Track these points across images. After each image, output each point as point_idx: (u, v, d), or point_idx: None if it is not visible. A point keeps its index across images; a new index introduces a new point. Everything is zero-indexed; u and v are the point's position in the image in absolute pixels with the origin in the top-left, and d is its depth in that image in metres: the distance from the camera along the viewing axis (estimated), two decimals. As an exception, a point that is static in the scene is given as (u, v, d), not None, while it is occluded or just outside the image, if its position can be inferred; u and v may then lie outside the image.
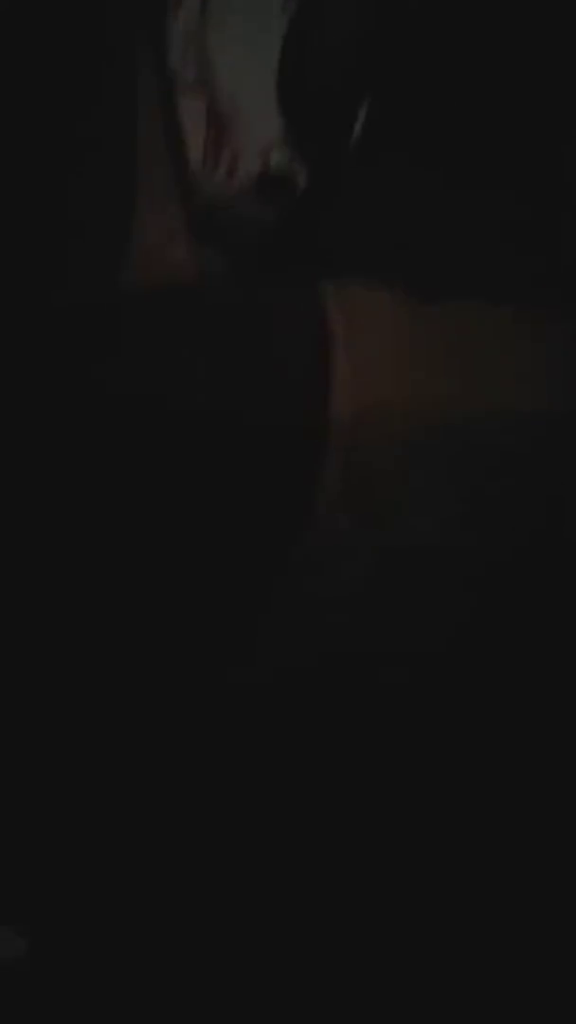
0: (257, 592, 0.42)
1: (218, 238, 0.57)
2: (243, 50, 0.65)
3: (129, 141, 0.57)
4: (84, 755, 0.45)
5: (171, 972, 0.46)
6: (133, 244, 0.52)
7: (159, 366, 0.43)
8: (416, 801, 0.44)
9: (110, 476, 0.42)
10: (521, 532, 0.43)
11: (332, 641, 0.43)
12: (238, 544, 0.41)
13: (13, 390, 0.42)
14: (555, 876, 0.44)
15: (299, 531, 0.41)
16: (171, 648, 0.42)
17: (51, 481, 0.42)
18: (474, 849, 0.44)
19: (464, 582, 0.43)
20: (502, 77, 0.52)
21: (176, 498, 0.41)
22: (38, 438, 0.42)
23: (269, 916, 0.45)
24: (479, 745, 0.44)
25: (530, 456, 0.43)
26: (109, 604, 0.42)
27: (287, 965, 0.46)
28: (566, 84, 0.52)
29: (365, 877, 0.45)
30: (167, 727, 0.43)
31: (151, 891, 0.46)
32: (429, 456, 0.42)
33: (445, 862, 0.45)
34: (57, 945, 0.47)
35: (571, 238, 0.51)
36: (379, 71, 0.57)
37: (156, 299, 0.47)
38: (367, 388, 0.41)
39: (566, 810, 0.44)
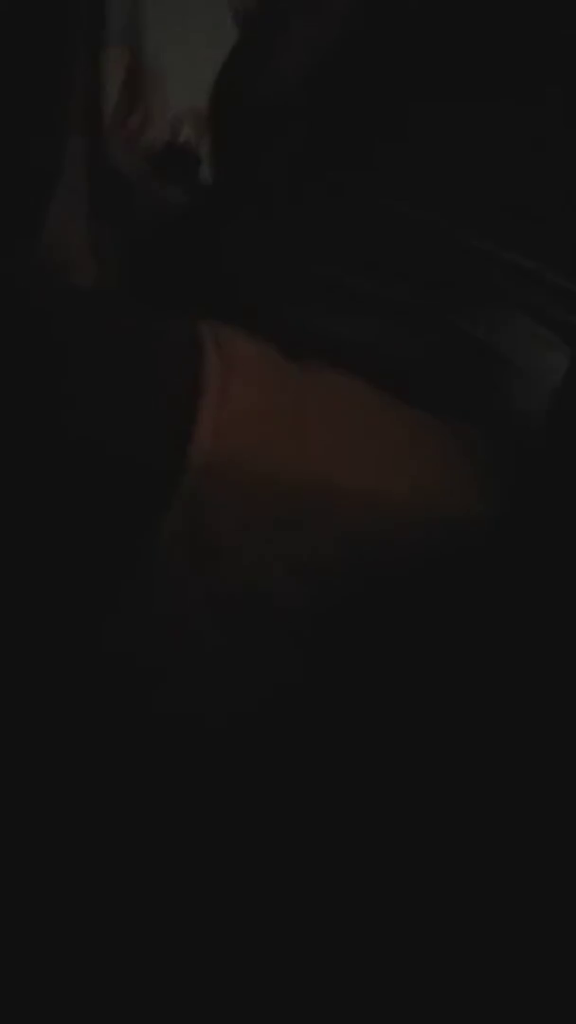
0: (87, 623, 0.43)
1: (116, 217, 0.55)
2: (180, 12, 0.62)
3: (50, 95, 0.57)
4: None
5: (165, 973, 0.47)
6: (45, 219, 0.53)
7: (28, 379, 0.42)
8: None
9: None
10: (351, 605, 0.45)
11: (156, 682, 0.45)
12: (75, 566, 0.43)
13: None
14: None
15: (135, 565, 0.42)
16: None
17: None
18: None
19: (293, 639, 0.45)
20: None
21: (20, 514, 0.42)
22: None
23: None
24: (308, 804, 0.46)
25: (362, 535, 0.45)
26: None
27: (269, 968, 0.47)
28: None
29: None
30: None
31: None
32: (269, 519, 0.44)
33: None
34: (57, 945, 0.48)
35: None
36: (322, 107, 0.56)
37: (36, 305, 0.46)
38: (226, 443, 0.42)
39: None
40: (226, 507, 0.42)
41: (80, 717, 0.44)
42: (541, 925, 0.45)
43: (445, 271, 0.51)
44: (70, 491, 0.41)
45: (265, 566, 0.44)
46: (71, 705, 0.44)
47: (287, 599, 0.44)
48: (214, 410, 0.42)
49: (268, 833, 0.46)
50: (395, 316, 0.49)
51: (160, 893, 0.46)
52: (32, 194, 0.55)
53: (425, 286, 0.50)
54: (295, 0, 0.59)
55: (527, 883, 0.45)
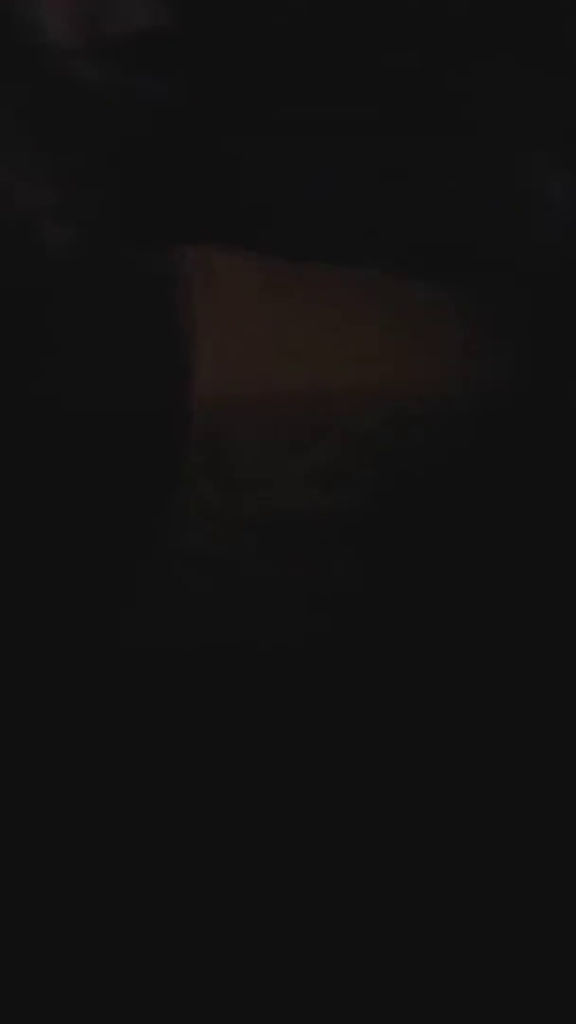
0: (129, 551, 0.46)
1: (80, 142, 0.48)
2: None
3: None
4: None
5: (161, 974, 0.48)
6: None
7: (26, 349, 0.44)
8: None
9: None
10: (371, 503, 0.47)
11: (199, 602, 0.47)
12: (111, 508, 0.45)
13: None
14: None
15: (167, 495, 0.45)
16: (46, 605, 0.46)
17: None
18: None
19: (340, 549, 0.48)
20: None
21: (50, 470, 0.44)
22: None
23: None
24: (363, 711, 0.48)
25: (377, 434, 0.47)
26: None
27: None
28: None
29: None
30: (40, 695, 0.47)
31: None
32: (282, 437, 0.46)
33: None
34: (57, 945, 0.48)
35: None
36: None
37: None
38: (227, 375, 0.44)
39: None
40: (240, 436, 0.45)
41: (123, 656, 0.46)
42: (541, 915, 0.46)
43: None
44: (86, 448, 0.43)
45: (292, 486, 0.46)
46: (112, 644, 0.46)
47: (322, 513, 0.47)
48: (210, 345, 0.43)
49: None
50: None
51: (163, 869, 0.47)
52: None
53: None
54: None
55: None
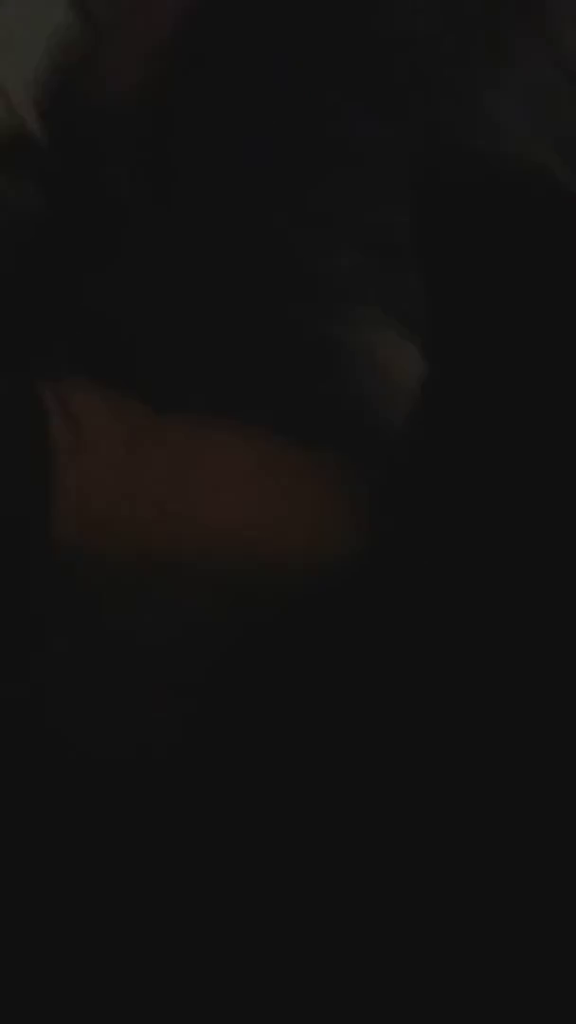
0: None
1: None
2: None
3: None
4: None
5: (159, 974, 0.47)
6: None
7: None
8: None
9: None
10: (216, 640, 0.47)
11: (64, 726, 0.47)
12: None
13: None
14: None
15: (21, 652, 0.44)
16: None
17: None
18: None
19: (179, 689, 0.47)
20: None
21: None
22: None
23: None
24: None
25: (238, 587, 0.47)
26: None
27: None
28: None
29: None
30: None
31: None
32: (137, 569, 0.45)
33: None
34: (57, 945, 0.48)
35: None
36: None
37: None
38: (87, 514, 0.43)
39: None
40: (98, 573, 0.43)
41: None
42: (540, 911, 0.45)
43: (277, 271, 0.51)
44: None
45: (146, 620, 0.45)
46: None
47: (173, 647, 0.46)
48: (69, 483, 0.42)
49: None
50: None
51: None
52: None
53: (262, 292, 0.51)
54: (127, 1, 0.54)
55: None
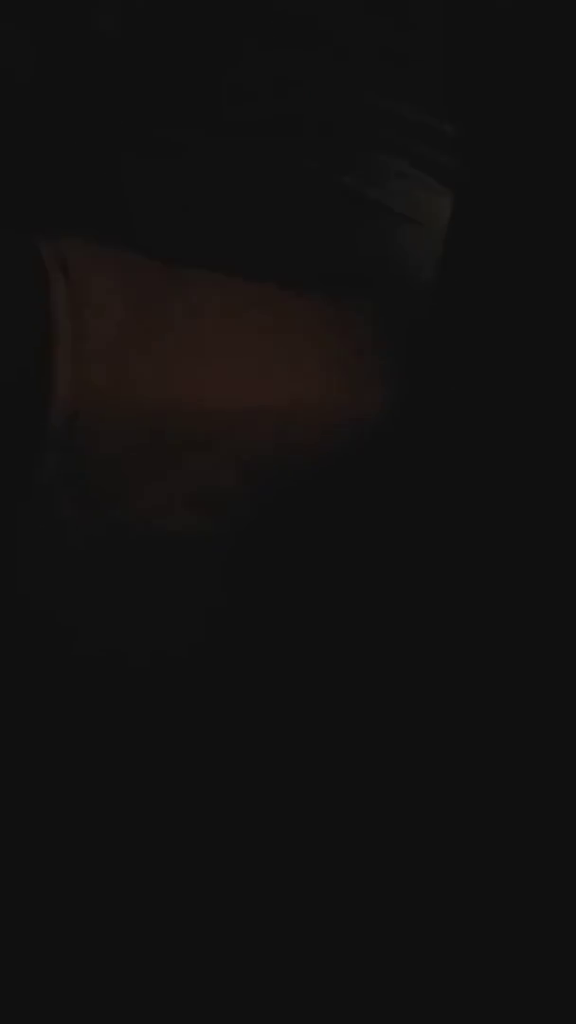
0: None
1: None
2: None
3: None
4: None
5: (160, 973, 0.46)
6: None
7: None
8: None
9: None
10: (240, 522, 0.45)
11: (47, 620, 0.45)
12: None
13: None
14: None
15: (17, 509, 0.41)
16: None
17: None
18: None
19: (208, 571, 0.45)
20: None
21: None
22: None
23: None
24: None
25: (254, 457, 0.44)
26: None
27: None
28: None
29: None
30: None
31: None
32: (154, 457, 0.42)
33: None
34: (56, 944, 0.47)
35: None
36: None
37: None
38: (89, 383, 0.40)
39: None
40: (103, 451, 0.40)
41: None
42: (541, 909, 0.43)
43: (313, 119, 0.48)
44: None
45: (162, 504, 0.42)
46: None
47: (192, 533, 0.43)
48: (70, 356, 0.39)
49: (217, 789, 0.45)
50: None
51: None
52: None
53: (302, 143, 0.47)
54: None
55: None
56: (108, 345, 0.40)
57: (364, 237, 0.49)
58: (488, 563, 0.42)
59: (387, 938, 0.45)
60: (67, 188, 0.48)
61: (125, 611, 0.44)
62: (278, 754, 0.45)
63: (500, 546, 0.42)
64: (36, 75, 0.49)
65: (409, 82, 0.49)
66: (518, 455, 0.42)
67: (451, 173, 0.49)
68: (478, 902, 0.42)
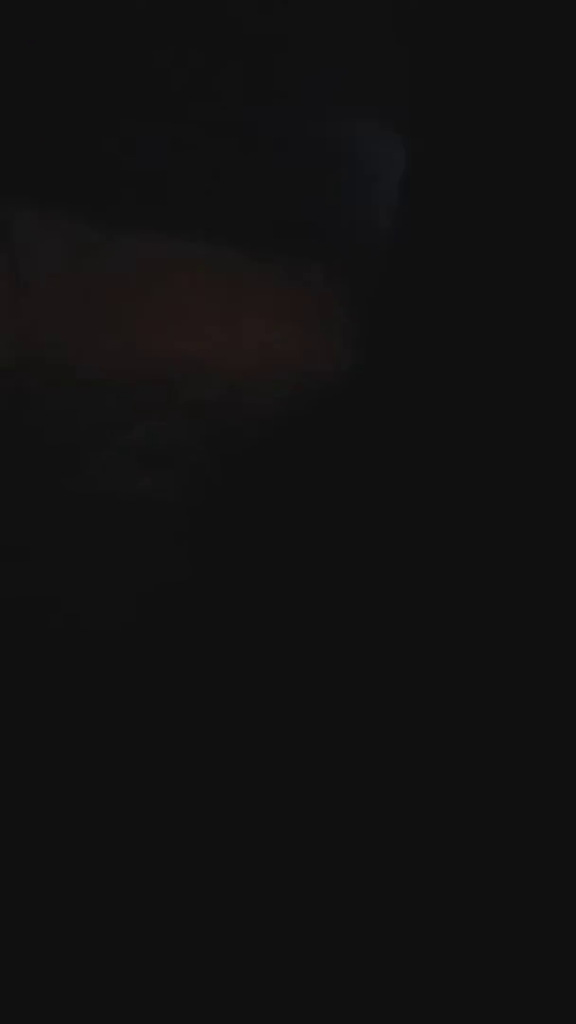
0: None
1: None
2: None
3: None
4: None
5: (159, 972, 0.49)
6: None
7: None
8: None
9: None
10: (196, 485, 0.39)
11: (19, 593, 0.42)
12: None
13: None
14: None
15: None
16: None
17: None
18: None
19: (170, 533, 0.41)
20: None
21: None
22: None
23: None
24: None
25: (202, 411, 0.40)
26: None
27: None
28: None
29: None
30: None
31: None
32: (102, 415, 0.40)
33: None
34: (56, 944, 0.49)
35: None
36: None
37: None
38: (32, 347, 0.37)
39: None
40: (52, 409, 0.39)
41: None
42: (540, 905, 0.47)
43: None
44: None
45: (119, 466, 0.42)
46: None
47: (143, 494, 0.43)
48: (8, 317, 0.37)
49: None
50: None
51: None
52: None
53: None
54: None
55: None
56: (50, 306, 0.38)
57: (328, 189, 0.48)
58: (446, 516, 0.44)
59: (387, 938, 0.46)
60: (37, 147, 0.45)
61: (89, 573, 0.43)
62: (254, 717, 0.45)
63: (454, 497, 0.44)
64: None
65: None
66: (470, 411, 0.43)
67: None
68: (478, 900, 0.44)
